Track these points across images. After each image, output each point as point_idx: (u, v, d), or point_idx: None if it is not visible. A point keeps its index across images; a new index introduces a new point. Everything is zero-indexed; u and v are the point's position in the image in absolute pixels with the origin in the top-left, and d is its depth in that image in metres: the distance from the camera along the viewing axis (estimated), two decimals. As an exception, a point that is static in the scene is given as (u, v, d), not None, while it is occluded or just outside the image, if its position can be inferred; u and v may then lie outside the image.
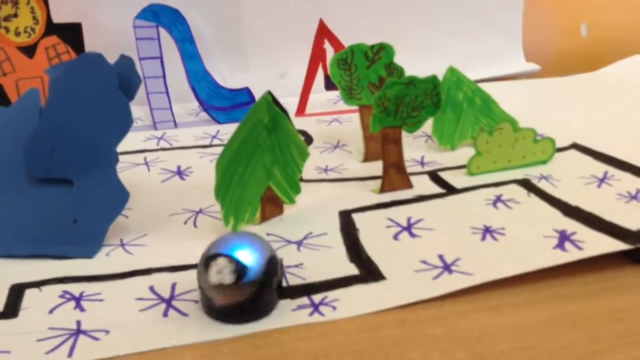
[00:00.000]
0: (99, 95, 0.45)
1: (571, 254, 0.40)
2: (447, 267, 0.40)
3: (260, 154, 0.46)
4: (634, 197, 0.49)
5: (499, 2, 0.93)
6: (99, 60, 0.45)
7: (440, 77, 0.51)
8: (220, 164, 0.44)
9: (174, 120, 0.71)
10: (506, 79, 0.86)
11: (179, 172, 0.58)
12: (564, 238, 0.43)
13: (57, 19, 0.66)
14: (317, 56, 0.73)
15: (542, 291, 0.38)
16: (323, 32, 0.72)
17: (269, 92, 0.45)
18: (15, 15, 0.64)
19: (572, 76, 0.85)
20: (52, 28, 0.66)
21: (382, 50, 0.59)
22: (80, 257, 0.43)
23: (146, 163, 0.60)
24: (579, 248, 0.41)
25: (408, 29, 0.87)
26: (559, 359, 0.33)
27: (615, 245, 0.41)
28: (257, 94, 0.73)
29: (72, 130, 0.44)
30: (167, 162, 0.60)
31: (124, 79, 0.46)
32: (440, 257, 0.41)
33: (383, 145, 0.52)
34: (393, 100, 0.50)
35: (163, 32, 0.69)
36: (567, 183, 0.52)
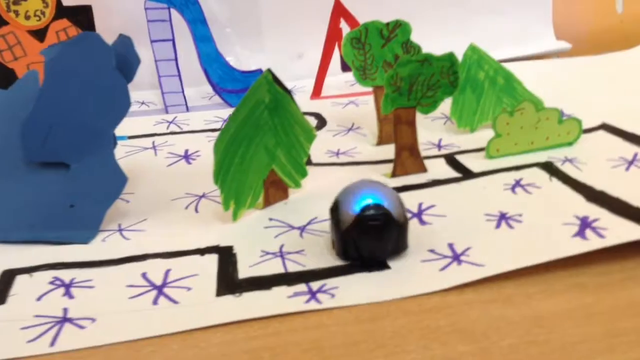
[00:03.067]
0: (96, 76, 0.43)
1: (591, 243, 0.37)
2: (456, 257, 0.38)
3: (262, 135, 0.44)
4: (665, 181, 0.45)
5: (527, -25, 0.88)
6: (96, 40, 0.44)
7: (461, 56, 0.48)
8: (218, 147, 0.42)
9: (186, 104, 0.70)
10: (535, 58, 0.82)
11: (186, 156, 0.56)
12: (585, 225, 0.39)
13: (66, 1, 0.65)
14: (333, 36, 0.71)
15: (557, 281, 0.35)
16: (339, 11, 0.70)
17: (269, 71, 0.43)
18: (25, -1, 0.63)
19: (606, 55, 0.81)
20: (62, 11, 0.65)
21: (398, 28, 0.56)
22: (76, 242, 0.42)
23: (154, 147, 0.59)
24: (601, 236, 0.38)
25: (428, 5, 0.83)
26: (572, 354, 0.30)
27: (641, 232, 0.38)
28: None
29: (69, 112, 0.43)
30: (175, 146, 0.59)
31: (122, 60, 0.44)
32: (450, 246, 0.39)
33: (395, 127, 0.49)
34: (406, 79, 0.47)
35: (175, 13, 0.67)
36: (593, 166, 0.49)
